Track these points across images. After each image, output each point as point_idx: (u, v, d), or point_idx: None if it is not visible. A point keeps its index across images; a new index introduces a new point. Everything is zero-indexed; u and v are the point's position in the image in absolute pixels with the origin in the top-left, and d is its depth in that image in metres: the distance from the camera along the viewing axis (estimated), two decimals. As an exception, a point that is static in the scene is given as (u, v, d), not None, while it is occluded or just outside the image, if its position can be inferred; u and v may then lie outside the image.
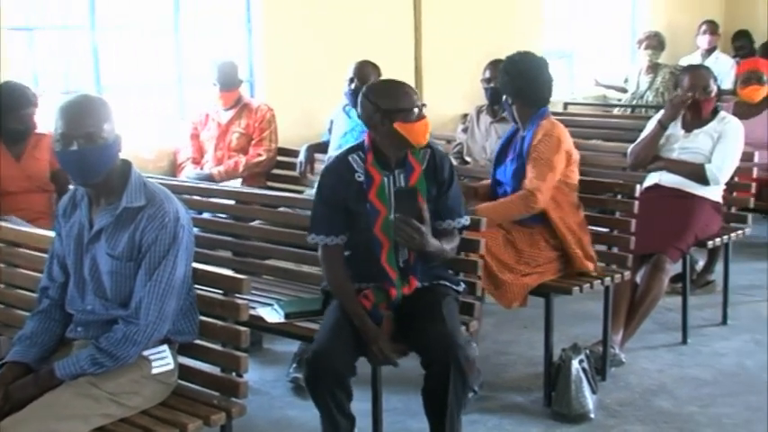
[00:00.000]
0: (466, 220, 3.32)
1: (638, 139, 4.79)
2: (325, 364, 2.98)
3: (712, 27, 8.02)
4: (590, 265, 3.89)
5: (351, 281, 3.20)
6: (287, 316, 3.45)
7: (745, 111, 5.21)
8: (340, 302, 3.18)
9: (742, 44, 8.44)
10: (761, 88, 5.32)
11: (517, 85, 3.90)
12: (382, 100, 3.16)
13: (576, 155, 3.93)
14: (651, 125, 4.79)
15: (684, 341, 4.49)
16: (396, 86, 3.22)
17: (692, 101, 4.55)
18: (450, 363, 2.97)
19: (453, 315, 3.17)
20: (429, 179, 3.21)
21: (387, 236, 3.15)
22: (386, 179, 3.19)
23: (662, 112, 4.80)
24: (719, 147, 4.49)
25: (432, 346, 3.02)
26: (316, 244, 3.23)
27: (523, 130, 3.94)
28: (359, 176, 3.18)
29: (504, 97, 3.99)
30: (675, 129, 4.68)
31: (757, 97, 5.33)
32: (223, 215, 4.32)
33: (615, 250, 4.12)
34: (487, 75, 5.22)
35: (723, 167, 4.48)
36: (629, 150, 4.80)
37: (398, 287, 3.17)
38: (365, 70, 4.90)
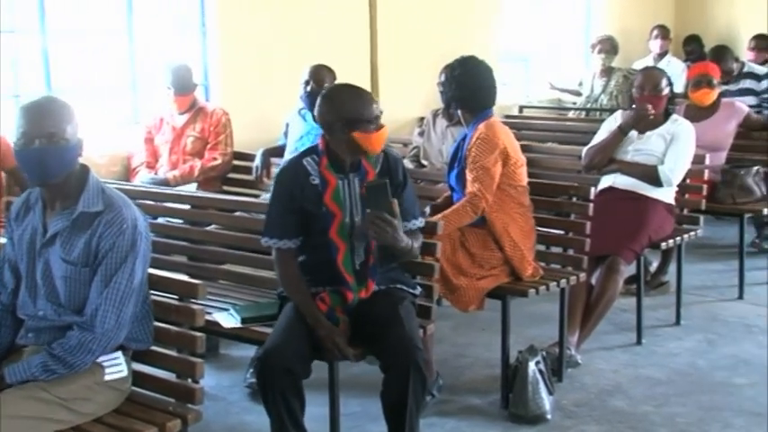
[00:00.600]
0: (421, 222, 3.35)
1: (592, 142, 4.86)
2: (277, 362, 2.98)
3: (664, 32, 8.16)
4: (528, 270, 3.92)
5: (306, 283, 3.22)
6: (243, 321, 3.44)
7: (695, 114, 5.30)
8: (294, 303, 3.18)
9: (692, 48, 8.62)
10: (711, 91, 5.42)
11: (455, 91, 3.97)
12: (344, 107, 3.16)
13: (519, 156, 3.94)
14: (604, 128, 4.86)
15: (639, 341, 4.56)
16: (358, 94, 3.22)
17: (642, 99, 4.64)
18: (410, 366, 2.98)
19: (412, 318, 3.19)
20: None
21: (342, 239, 3.17)
22: (341, 182, 3.21)
23: (617, 115, 4.88)
24: (672, 148, 4.57)
25: (392, 350, 3.03)
26: (269, 247, 3.24)
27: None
28: (314, 179, 3.20)
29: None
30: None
31: (708, 100, 5.43)
32: (178, 220, 4.29)
33: (570, 252, 4.17)
34: (443, 78, 5.24)
35: (675, 169, 4.56)
36: (583, 153, 4.86)
37: (355, 291, 3.19)
38: (320, 73, 4.89)
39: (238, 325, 3.43)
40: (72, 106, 2.69)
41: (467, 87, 3.94)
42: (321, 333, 3.09)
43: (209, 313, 3.46)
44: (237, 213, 4.18)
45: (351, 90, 3.27)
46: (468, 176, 3.85)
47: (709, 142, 5.14)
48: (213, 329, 3.42)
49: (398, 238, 3.10)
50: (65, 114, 2.64)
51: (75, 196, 2.67)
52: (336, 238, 3.17)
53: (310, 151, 3.28)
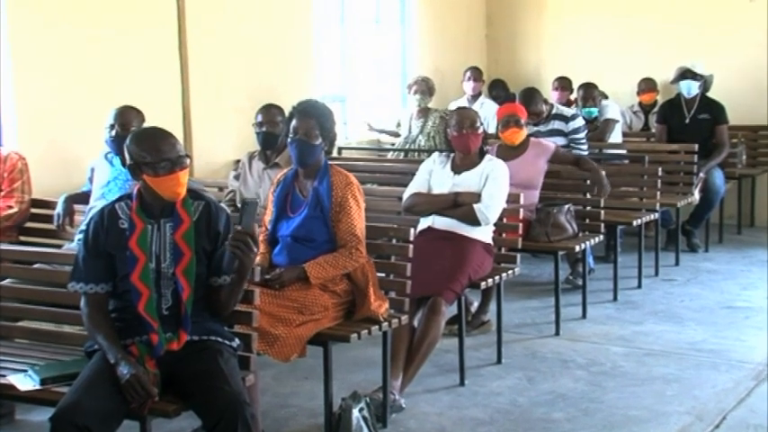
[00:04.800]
0: None
1: (412, 184, 4.99)
2: (71, 420, 2.87)
3: (476, 73, 8.52)
4: (383, 307, 4.00)
5: (113, 326, 3.18)
6: (43, 382, 3.26)
7: (507, 153, 5.54)
8: (99, 344, 3.13)
9: (497, 93, 9.05)
10: (520, 131, 5.72)
11: (328, 129, 4.02)
12: (135, 149, 3.21)
13: None
14: (423, 169, 5.02)
15: (462, 383, 4.67)
16: (151, 136, 3.25)
17: (461, 136, 4.83)
18: (239, 424, 2.96)
19: (235, 372, 3.17)
20: (200, 233, 3.24)
21: (146, 285, 3.16)
22: (150, 227, 3.21)
23: (435, 156, 5.07)
24: (487, 187, 4.78)
25: (218, 407, 2.99)
26: (76, 292, 3.22)
27: (314, 179, 4.01)
28: (122, 223, 3.22)
29: (292, 141, 4.00)
30: (445, 170, 4.93)
31: (517, 139, 5.72)
32: (-33, 275, 4.04)
33: (392, 295, 4.23)
34: (260, 119, 5.26)
35: (491, 206, 4.76)
36: (404, 195, 4.99)
37: (162, 336, 3.14)
38: (127, 116, 4.76)
39: (37, 387, 3.25)
40: None
41: (334, 131, 4.06)
42: (123, 371, 3.00)
43: (3, 376, 3.29)
44: (37, 265, 3.98)
45: (146, 131, 3.33)
46: (346, 224, 3.93)
47: (522, 181, 5.39)
48: (7, 393, 3.25)
49: (254, 263, 3.21)
50: None
51: None
52: (139, 284, 3.15)
53: (126, 196, 3.31)
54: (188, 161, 3.22)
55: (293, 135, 4.01)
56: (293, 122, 4.02)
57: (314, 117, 4.01)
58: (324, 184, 3.98)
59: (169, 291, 3.20)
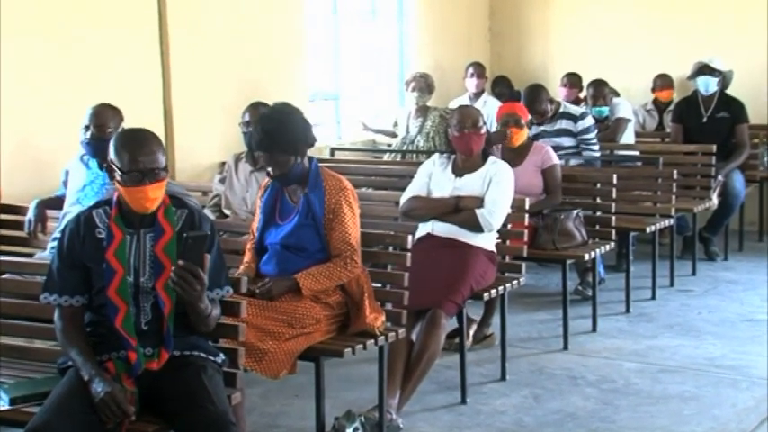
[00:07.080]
0: (227, 291, 3.33)
1: (410, 187, 4.99)
2: None
3: (480, 70, 8.52)
4: (379, 320, 3.99)
5: (87, 339, 3.18)
6: (12, 401, 3.26)
7: (511, 157, 5.53)
8: (72, 360, 3.12)
9: (501, 90, 9.05)
10: (519, 131, 5.72)
11: (299, 137, 4.00)
12: (112, 152, 3.21)
13: None
14: (422, 172, 5.02)
15: (464, 400, 4.67)
16: (131, 141, 3.22)
17: (462, 136, 4.84)
18: None
19: (220, 390, 3.17)
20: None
21: (123, 299, 3.15)
22: (129, 238, 3.21)
23: (435, 158, 5.06)
24: (490, 191, 4.78)
25: (202, 427, 3.00)
26: (48, 304, 3.22)
27: (304, 185, 4.01)
28: (99, 233, 3.21)
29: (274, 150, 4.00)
30: (446, 173, 4.93)
31: (516, 141, 5.72)
32: (-70, 286, 4.03)
33: (389, 306, 4.23)
34: (247, 118, 5.26)
35: (495, 212, 4.76)
36: (402, 199, 4.99)
37: (140, 353, 3.14)
38: (103, 116, 4.75)
39: (6, 407, 3.25)
40: None
41: (298, 144, 4.00)
42: (97, 389, 3.00)
43: (-31, 395, 3.27)
44: (6, 275, 3.98)
45: (128, 134, 3.30)
46: (340, 233, 3.94)
47: (524, 186, 5.35)
48: (-26, 414, 3.22)
49: (203, 297, 3.12)
50: None
51: None
52: (116, 298, 3.14)
53: (105, 202, 3.30)
54: (163, 174, 3.17)
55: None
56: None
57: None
58: (315, 189, 3.99)
59: (149, 305, 3.20)
